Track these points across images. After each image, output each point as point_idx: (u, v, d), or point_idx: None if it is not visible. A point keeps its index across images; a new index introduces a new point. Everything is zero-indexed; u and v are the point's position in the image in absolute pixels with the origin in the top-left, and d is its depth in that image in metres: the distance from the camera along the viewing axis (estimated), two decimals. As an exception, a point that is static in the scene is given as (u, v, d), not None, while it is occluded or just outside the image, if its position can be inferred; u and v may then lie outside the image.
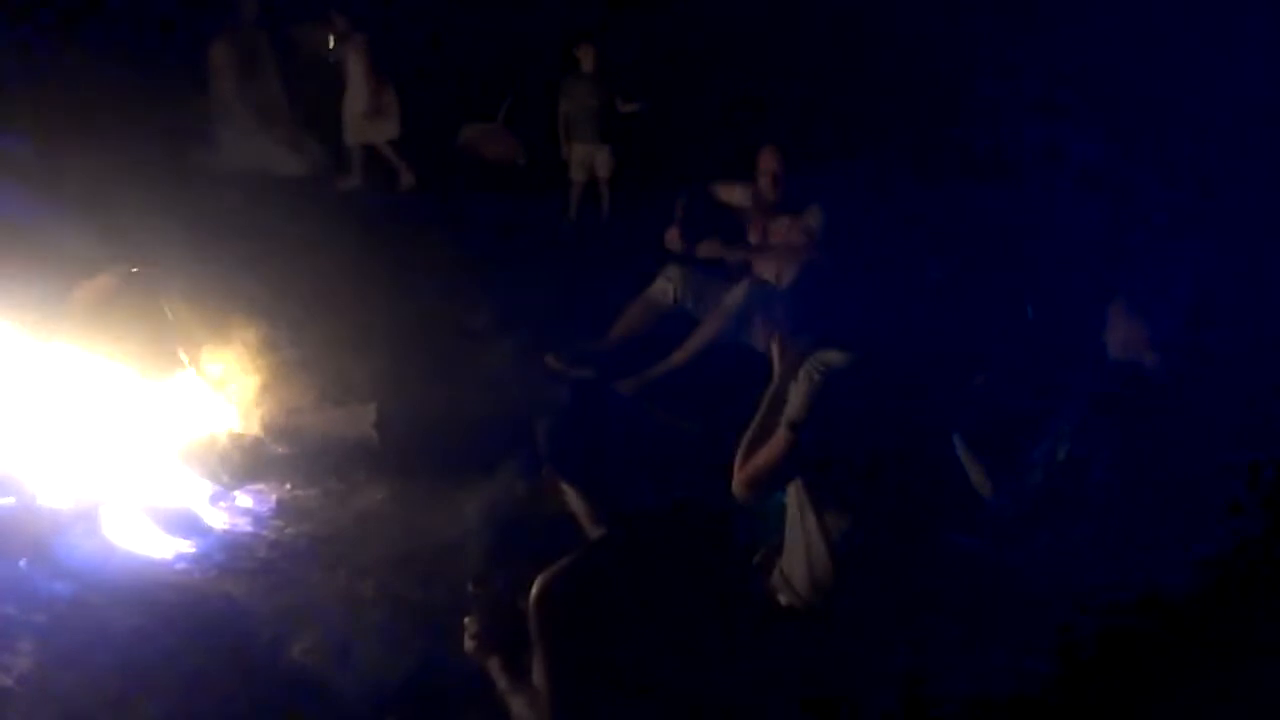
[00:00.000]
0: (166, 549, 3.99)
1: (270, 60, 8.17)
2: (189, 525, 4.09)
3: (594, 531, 2.41)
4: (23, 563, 3.73)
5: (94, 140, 6.01)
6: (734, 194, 5.68)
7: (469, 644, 2.55)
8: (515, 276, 5.85)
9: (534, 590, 2.25)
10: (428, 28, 8.45)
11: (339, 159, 8.23)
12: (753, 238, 5.58)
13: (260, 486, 4.41)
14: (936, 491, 3.05)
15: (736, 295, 5.36)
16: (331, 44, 8.26)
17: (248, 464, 4.43)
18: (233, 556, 4.00)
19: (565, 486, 2.47)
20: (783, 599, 3.03)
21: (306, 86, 8.21)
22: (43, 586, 3.65)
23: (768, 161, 5.52)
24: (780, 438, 2.89)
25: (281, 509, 4.31)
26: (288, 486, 4.43)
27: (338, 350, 4.92)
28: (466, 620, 2.56)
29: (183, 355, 4.62)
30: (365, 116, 8.11)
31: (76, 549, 3.85)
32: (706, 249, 5.57)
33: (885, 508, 2.90)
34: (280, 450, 4.58)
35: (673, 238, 5.62)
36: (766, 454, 2.92)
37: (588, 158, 7.82)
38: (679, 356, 5.53)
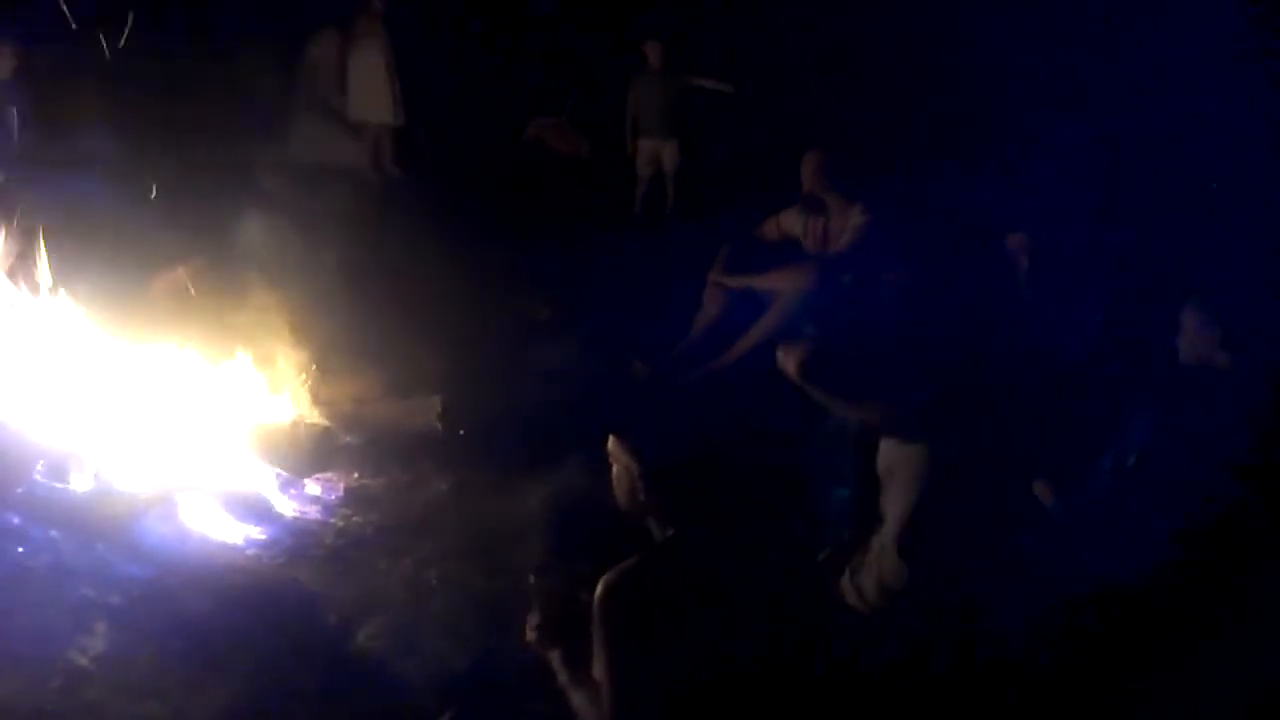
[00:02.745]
0: (238, 535, 4.07)
1: (340, 54, 8.29)
2: (260, 512, 4.17)
3: (659, 530, 2.40)
4: (100, 545, 3.84)
5: (174, 136, 6.17)
6: (789, 222, 5.64)
7: (530, 635, 2.57)
8: (580, 270, 5.87)
9: (598, 587, 2.25)
10: (498, 20, 8.52)
11: (375, 148, 8.30)
12: (811, 246, 5.55)
13: (329, 475, 4.48)
14: (1010, 496, 3.00)
15: (797, 284, 5.36)
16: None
17: (317, 453, 4.51)
18: (301, 543, 4.07)
19: (634, 482, 2.46)
20: (849, 601, 3.01)
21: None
22: (119, 569, 3.75)
23: (814, 162, 5.49)
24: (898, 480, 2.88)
25: (349, 497, 4.38)
26: (355, 475, 4.50)
27: (405, 342, 4.98)
28: (529, 613, 2.58)
29: (253, 345, 4.70)
30: (372, 97, 8.16)
31: (152, 533, 3.96)
32: (750, 281, 5.56)
33: (958, 513, 2.85)
34: (348, 440, 4.65)
35: (715, 280, 5.62)
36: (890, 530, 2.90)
37: (654, 152, 7.82)
38: (741, 347, 5.52)
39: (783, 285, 5.43)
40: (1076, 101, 6.70)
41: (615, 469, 2.46)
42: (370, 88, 8.14)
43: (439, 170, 8.21)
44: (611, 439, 2.44)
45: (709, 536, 2.32)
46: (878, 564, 2.96)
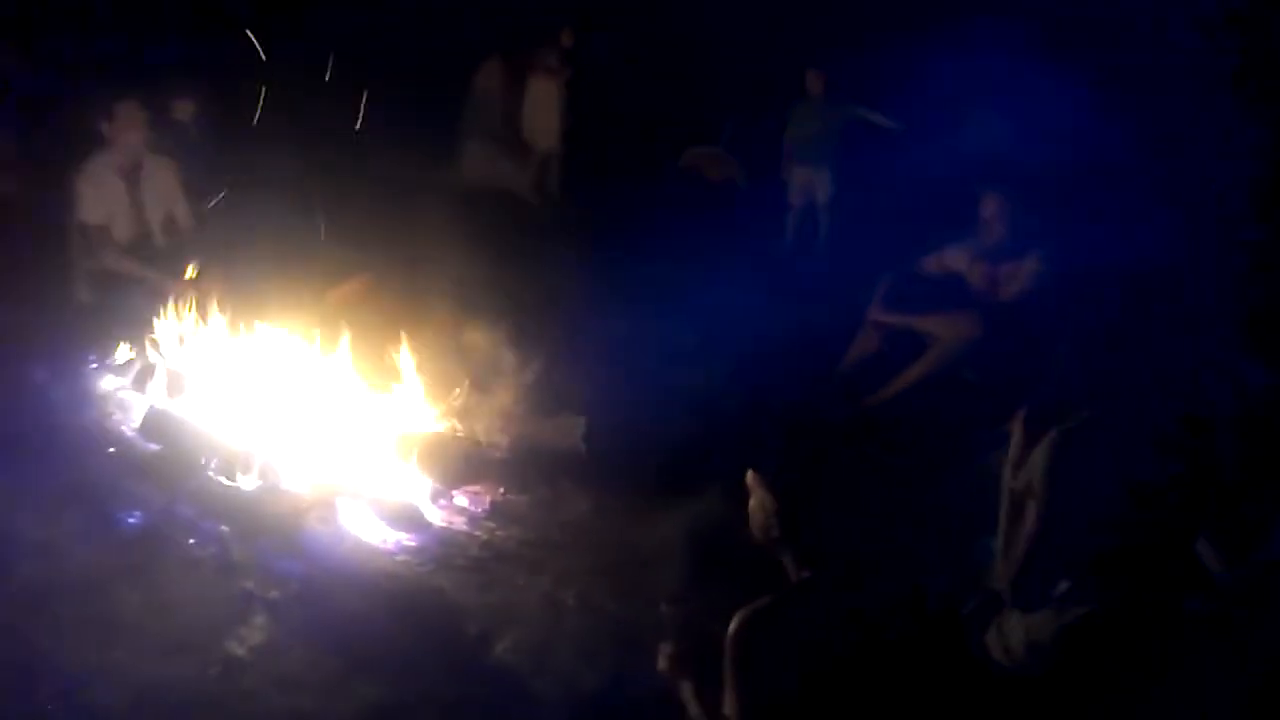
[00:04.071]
0: (390, 540, 4.24)
1: (508, 79, 8.58)
2: (411, 520, 4.33)
3: (798, 572, 2.38)
4: (263, 541, 4.07)
5: (350, 158, 6.51)
6: (953, 260, 5.50)
7: (662, 663, 2.58)
8: (729, 299, 5.87)
9: (732, 624, 2.24)
10: (658, 51, 8.65)
11: (540, 173, 8.52)
12: (977, 284, 5.38)
13: (476, 488, 4.61)
14: (1172, 560, 2.84)
15: (959, 332, 5.22)
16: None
17: (466, 466, 4.65)
18: (447, 553, 4.20)
19: (769, 518, 2.45)
20: (995, 656, 2.91)
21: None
22: (279, 565, 3.96)
23: (995, 206, 5.33)
24: (1029, 515, 2.79)
25: (494, 511, 4.50)
26: (501, 490, 4.62)
27: (554, 362, 5.08)
28: (662, 641, 2.59)
29: (413, 358, 4.90)
30: (541, 119, 8.37)
31: (311, 533, 4.16)
32: (909, 321, 5.44)
33: (1117, 574, 2.72)
34: (496, 455, 4.77)
35: (873, 317, 5.53)
36: (1016, 552, 2.82)
37: (808, 181, 7.77)
38: (894, 388, 5.42)
39: (944, 331, 5.29)
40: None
41: (751, 502, 2.45)
42: (546, 117, 8.39)
43: (596, 195, 8.38)
44: (750, 472, 2.43)
45: (846, 581, 2.29)
46: (1026, 620, 2.85)
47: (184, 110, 6.06)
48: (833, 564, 2.34)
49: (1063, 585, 2.76)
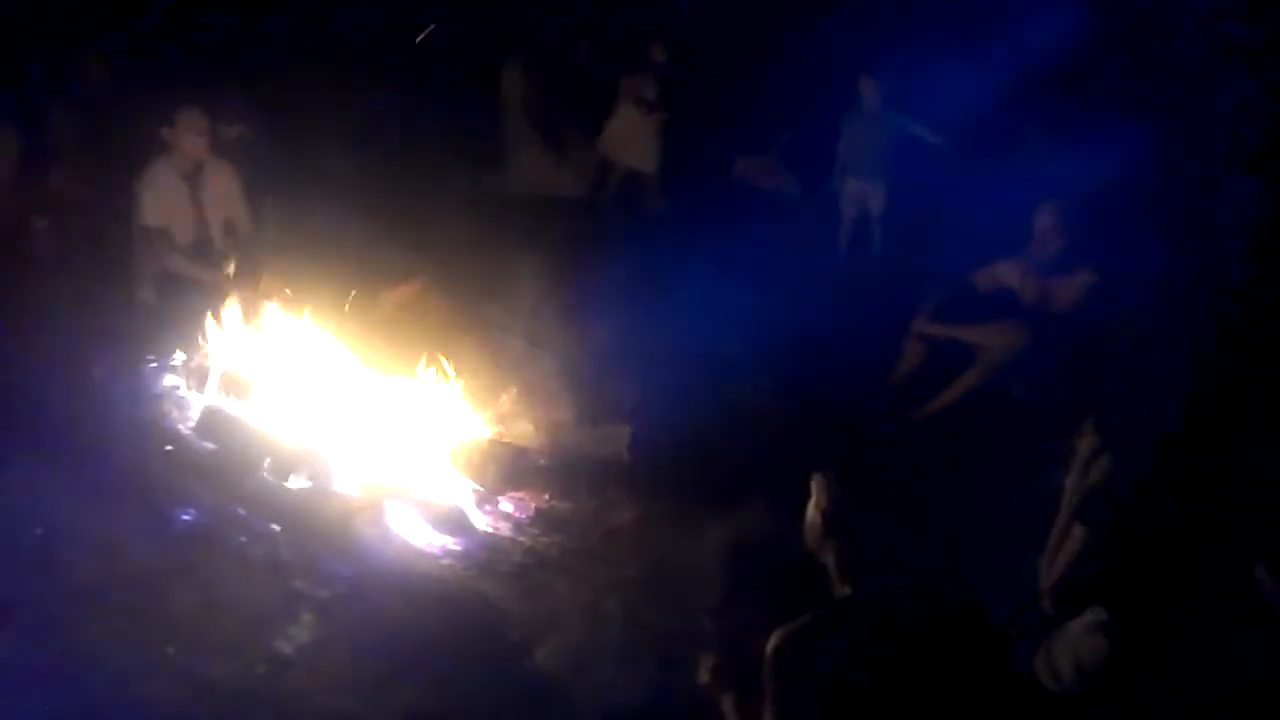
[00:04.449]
0: (435, 544, 4.29)
1: (552, 85, 8.59)
2: (456, 524, 4.37)
3: (841, 587, 2.36)
4: (312, 542, 4.13)
5: (400, 164, 6.60)
6: (1005, 273, 5.44)
7: (703, 676, 2.57)
8: (779, 310, 5.86)
9: (772, 641, 2.23)
10: (710, 60, 8.64)
11: (600, 179, 8.53)
12: (1029, 298, 5.32)
13: (521, 494, 4.65)
14: (1229, 586, 2.78)
15: (1007, 341, 5.17)
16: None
17: (511, 472, 4.68)
18: (491, 558, 4.24)
19: (820, 535, 2.43)
20: (1043, 679, 2.87)
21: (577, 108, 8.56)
22: (327, 565, 4.02)
23: (1050, 218, 5.26)
24: (1076, 536, 2.75)
25: (538, 517, 4.53)
26: (545, 497, 4.65)
27: (600, 371, 5.10)
28: (702, 653, 2.59)
29: (462, 364, 4.95)
30: (630, 141, 8.35)
31: (359, 535, 4.22)
32: (954, 331, 5.39)
33: (1174, 600, 2.68)
34: (541, 462, 4.81)
35: (920, 329, 5.48)
36: (1065, 556, 2.79)
37: (860, 193, 7.70)
38: (942, 400, 5.37)
39: (992, 341, 5.24)
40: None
41: (810, 506, 2.43)
42: (636, 134, 8.29)
43: (653, 205, 8.39)
44: (817, 475, 2.42)
45: (890, 599, 2.27)
46: (1076, 644, 2.81)
47: (243, 116, 6.18)
48: (876, 580, 2.32)
49: (1103, 612, 2.71)
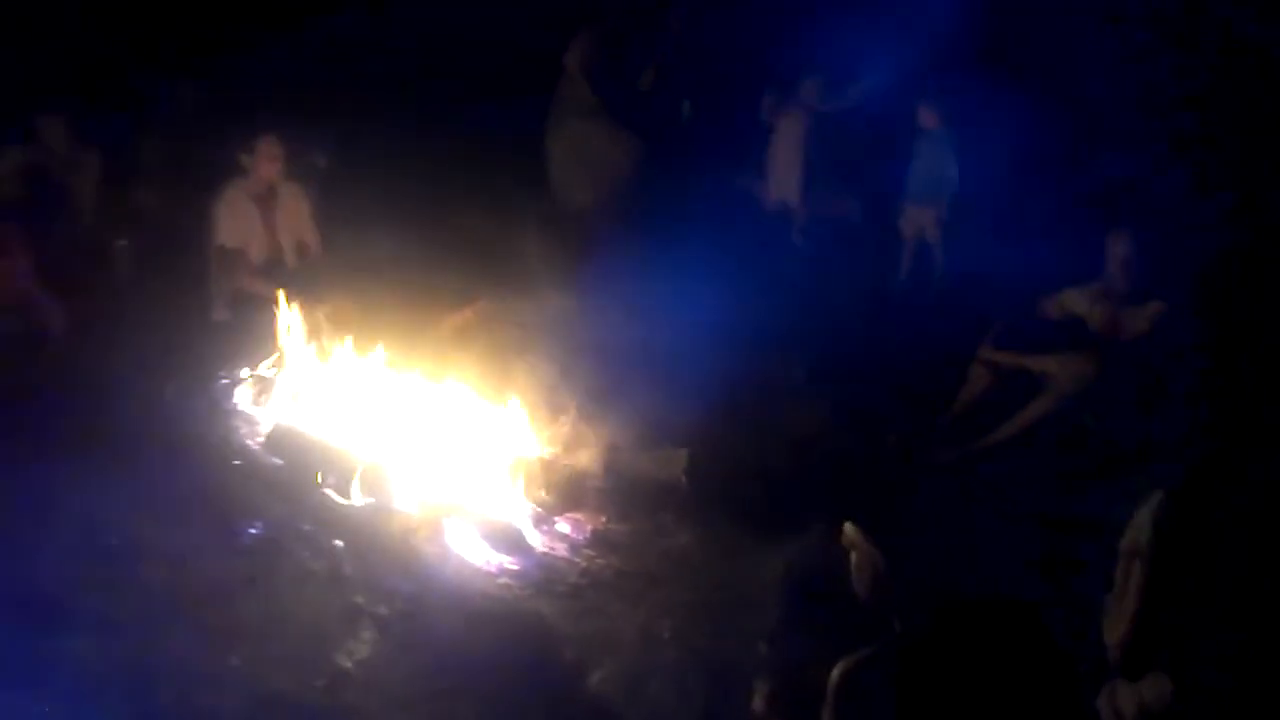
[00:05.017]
0: (492, 562, 4.33)
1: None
2: (513, 543, 4.41)
3: (900, 620, 2.34)
4: (373, 557, 4.19)
5: (466, 186, 6.71)
6: (1074, 301, 5.34)
7: (758, 704, 2.57)
8: (838, 335, 5.83)
9: (835, 673, 2.21)
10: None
11: None
12: (1099, 327, 5.22)
13: (578, 515, 4.67)
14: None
15: (1076, 372, 5.07)
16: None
17: (569, 493, 4.71)
18: (548, 578, 4.26)
19: (877, 575, 2.41)
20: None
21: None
22: (387, 581, 4.08)
23: (1124, 248, 5.16)
24: (1136, 579, 2.68)
25: (595, 539, 4.54)
26: (602, 519, 4.66)
27: (658, 394, 5.11)
28: (758, 681, 2.58)
29: (521, 385, 5.01)
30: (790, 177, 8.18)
31: (419, 551, 4.28)
32: (1021, 360, 5.30)
33: (1236, 645, 2.60)
34: (598, 483, 4.82)
35: (986, 356, 5.41)
36: (1129, 605, 2.72)
37: (920, 217, 7.63)
38: (1007, 430, 5.27)
39: (1061, 372, 5.14)
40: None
41: (855, 558, 2.42)
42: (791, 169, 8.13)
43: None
44: (849, 526, 2.40)
45: (955, 638, 2.23)
46: (1141, 686, 2.74)
47: (315, 141, 6.36)
48: (939, 614, 2.28)
49: (1169, 654, 2.64)
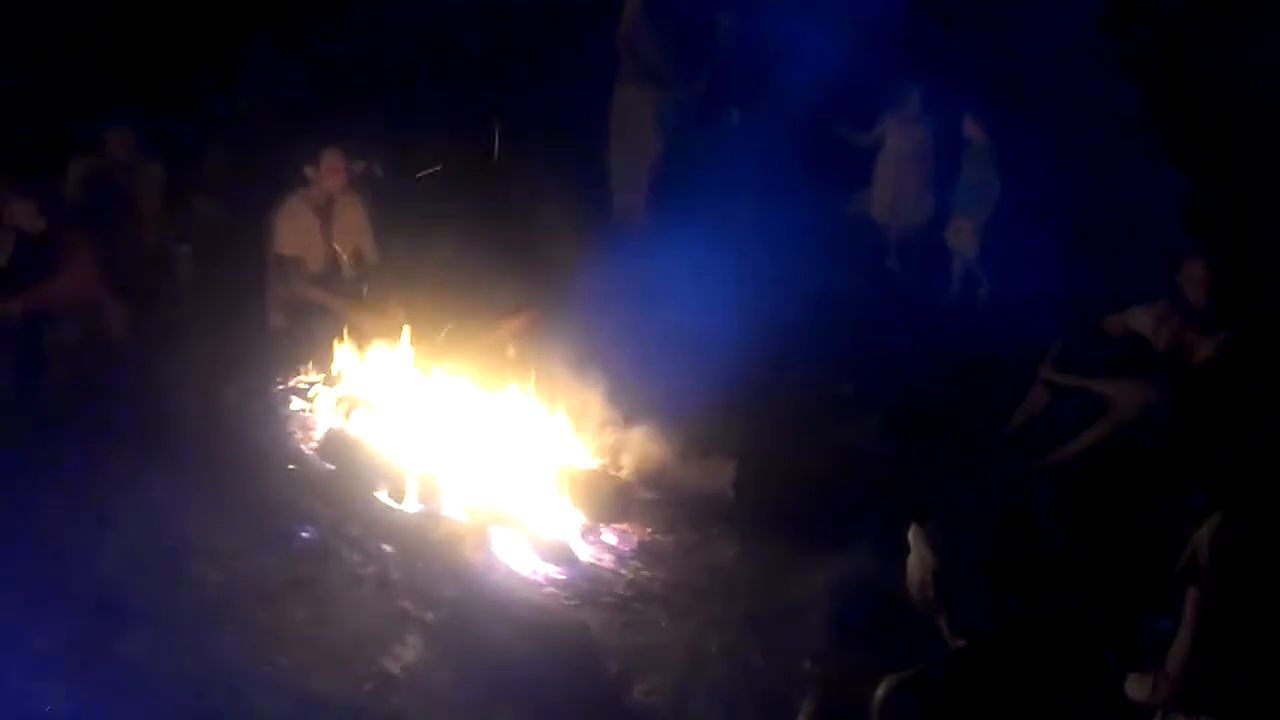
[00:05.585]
0: (539, 572, 4.33)
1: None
2: (560, 553, 4.41)
3: (952, 638, 2.30)
4: (421, 564, 4.22)
5: (520, 195, 6.77)
6: (1138, 321, 5.22)
7: (802, 720, 2.54)
8: (888, 349, 5.77)
9: (879, 690, 2.18)
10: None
11: None
12: (1162, 348, 5.09)
13: (625, 526, 4.66)
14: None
15: (1137, 398, 4.95)
16: None
17: (616, 504, 4.71)
18: (594, 589, 4.25)
19: (927, 576, 2.37)
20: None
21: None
22: (434, 588, 4.10)
23: (1199, 272, 5.02)
24: (1193, 601, 2.60)
25: (641, 550, 4.53)
26: (649, 530, 4.65)
27: (707, 406, 5.09)
28: (803, 699, 2.55)
29: (571, 395, 5.02)
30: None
31: (466, 559, 4.30)
32: (1085, 382, 5.20)
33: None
34: (646, 494, 4.82)
35: (1046, 376, 5.31)
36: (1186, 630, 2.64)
37: (962, 232, 7.54)
38: (1065, 452, 5.17)
39: (1121, 397, 5.02)
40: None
41: (911, 558, 2.38)
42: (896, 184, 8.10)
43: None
44: (914, 526, 2.37)
45: (1003, 657, 2.19)
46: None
47: (372, 152, 6.47)
48: (989, 634, 2.24)
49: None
